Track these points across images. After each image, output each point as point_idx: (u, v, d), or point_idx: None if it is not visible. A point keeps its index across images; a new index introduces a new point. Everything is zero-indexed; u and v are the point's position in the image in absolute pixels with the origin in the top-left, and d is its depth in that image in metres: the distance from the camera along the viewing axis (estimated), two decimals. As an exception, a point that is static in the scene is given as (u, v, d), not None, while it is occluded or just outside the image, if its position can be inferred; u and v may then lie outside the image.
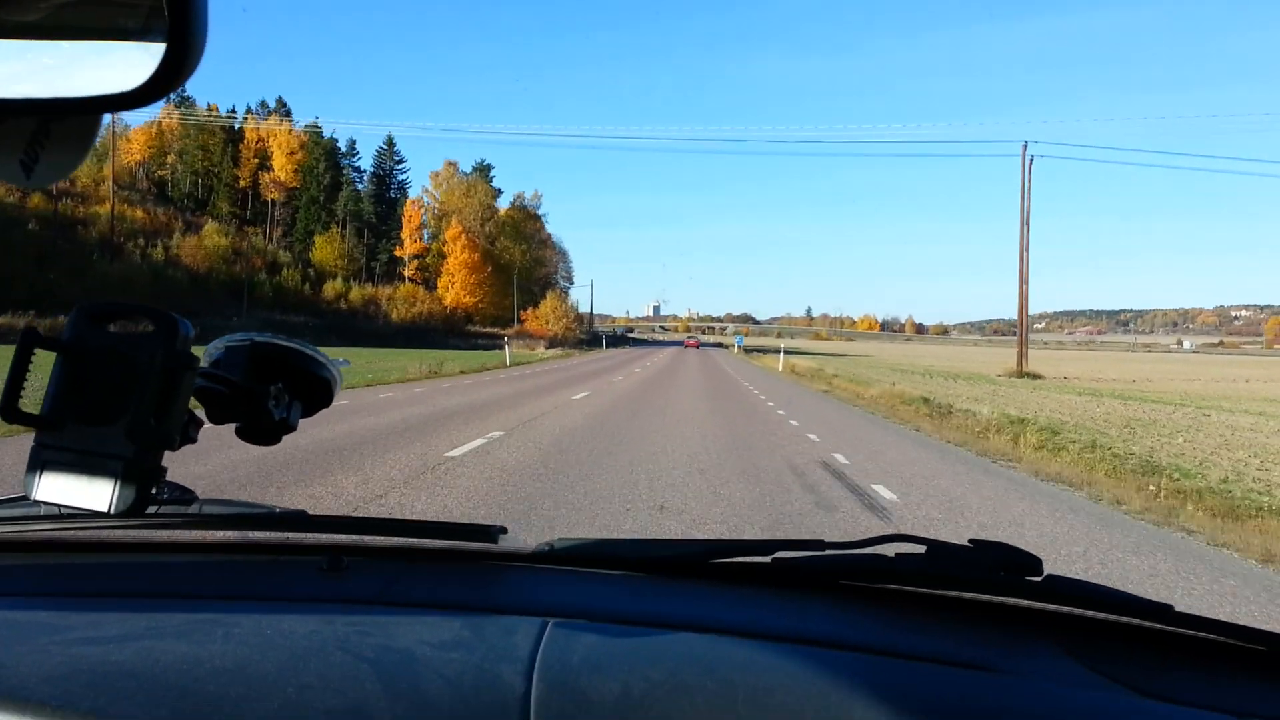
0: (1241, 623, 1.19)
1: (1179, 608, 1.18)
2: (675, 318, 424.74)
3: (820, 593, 1.34)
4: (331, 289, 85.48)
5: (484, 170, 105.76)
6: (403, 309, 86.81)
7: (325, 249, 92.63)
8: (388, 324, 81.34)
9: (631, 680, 0.98)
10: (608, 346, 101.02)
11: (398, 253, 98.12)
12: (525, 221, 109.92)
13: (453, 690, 0.94)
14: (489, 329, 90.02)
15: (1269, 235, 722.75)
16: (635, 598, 1.32)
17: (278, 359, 0.89)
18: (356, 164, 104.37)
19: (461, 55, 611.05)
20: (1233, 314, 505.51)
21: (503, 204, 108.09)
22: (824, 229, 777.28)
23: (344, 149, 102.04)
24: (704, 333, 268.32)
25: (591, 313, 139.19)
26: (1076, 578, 1.26)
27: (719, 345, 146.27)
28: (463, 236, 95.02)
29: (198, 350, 0.82)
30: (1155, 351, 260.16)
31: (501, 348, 71.71)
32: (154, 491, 0.75)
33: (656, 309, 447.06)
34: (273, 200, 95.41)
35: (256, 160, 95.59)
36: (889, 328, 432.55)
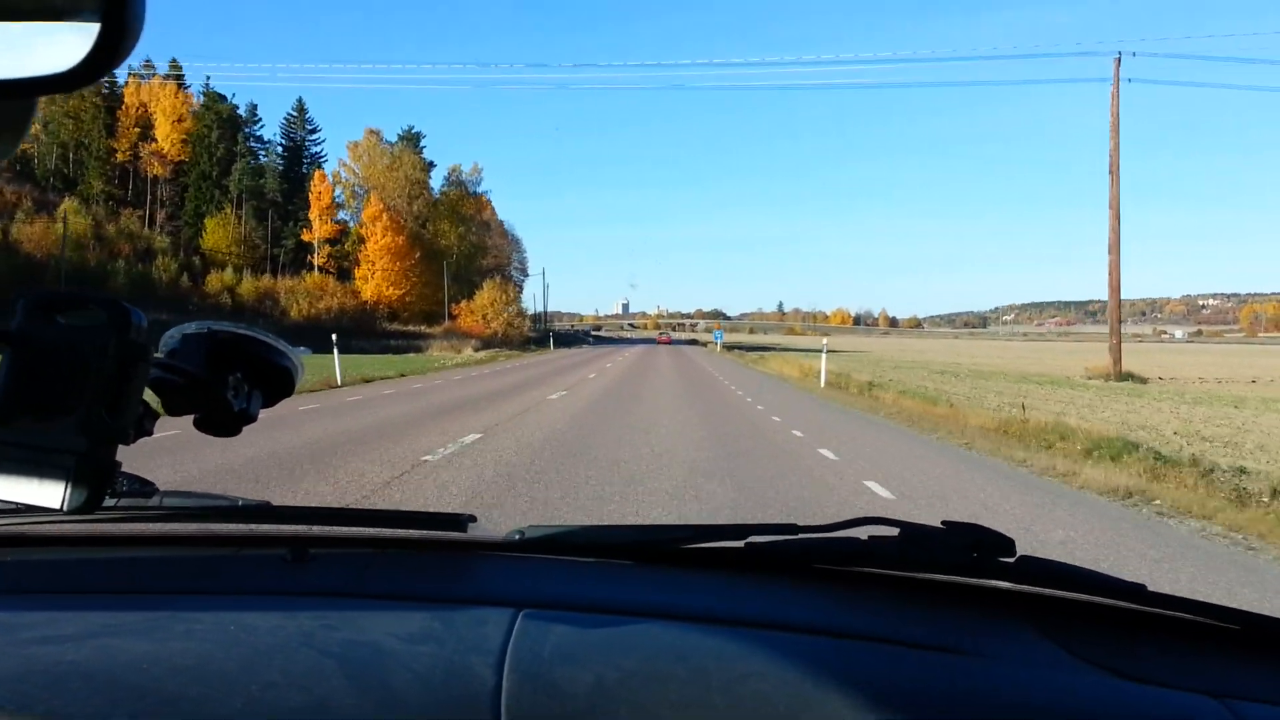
0: (1214, 601, 1.20)
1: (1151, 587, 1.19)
2: (644, 315, 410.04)
3: (793, 577, 1.33)
4: (217, 280, 67.63)
5: (412, 139, 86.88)
6: (304, 304, 68.97)
7: (217, 233, 74.64)
8: (284, 321, 63.83)
9: (604, 670, 0.97)
10: (557, 346, 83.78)
11: (305, 237, 79.67)
12: (463, 201, 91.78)
13: (422, 684, 0.91)
14: (415, 327, 72.81)
15: (1235, 223, 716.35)
16: (607, 586, 1.30)
17: (236, 348, 0.87)
18: (259, 133, 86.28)
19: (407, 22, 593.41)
20: (1200, 303, 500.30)
21: (439, 182, 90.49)
22: (793, 224, 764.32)
23: (245, 115, 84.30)
24: (675, 329, 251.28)
25: (545, 308, 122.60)
26: (1049, 558, 1.24)
27: (693, 342, 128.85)
28: (384, 216, 77.01)
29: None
30: (1150, 342, 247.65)
31: (422, 350, 55.67)
32: (109, 487, 0.72)
33: (625, 307, 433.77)
34: (156, 177, 77.66)
35: (138, 130, 77.58)
36: (862, 322, 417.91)
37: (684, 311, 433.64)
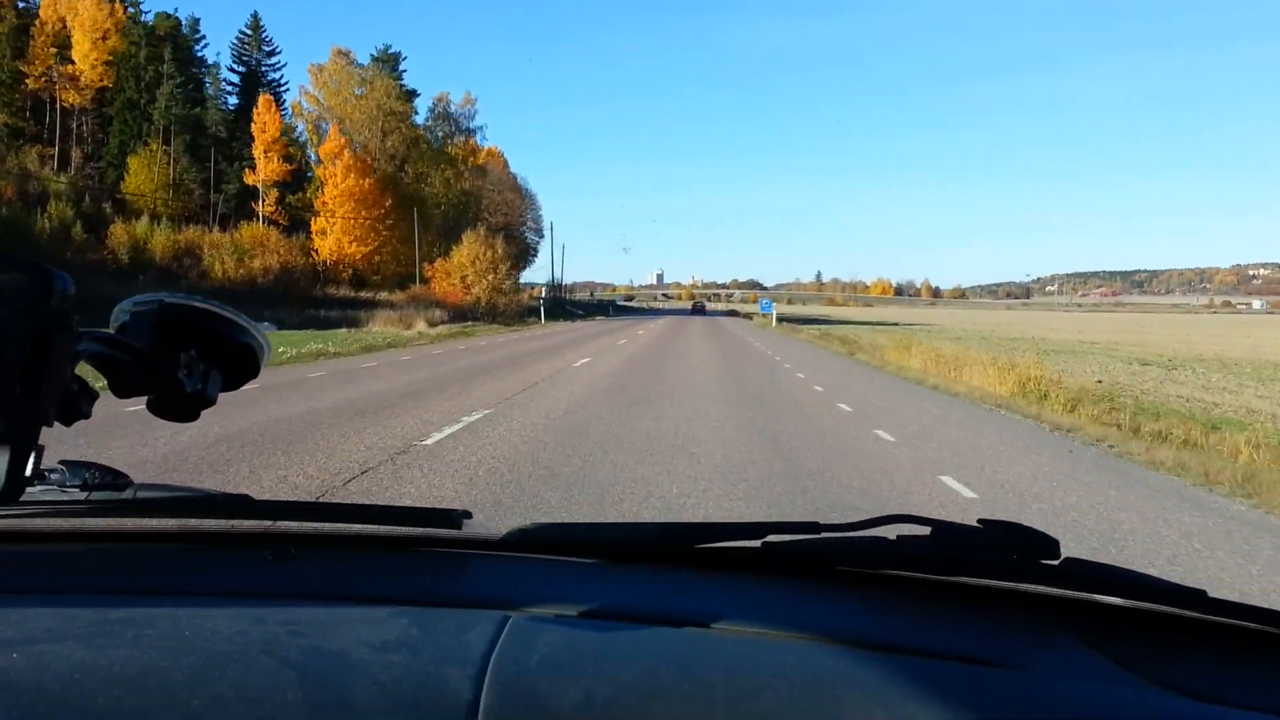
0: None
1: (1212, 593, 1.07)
2: (679, 285, 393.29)
3: (814, 580, 1.23)
4: (122, 232, 51.33)
5: (389, 60, 69.36)
6: (230, 263, 52.43)
7: (141, 175, 58.53)
8: (201, 285, 47.59)
9: (595, 683, 0.88)
10: (569, 317, 67.54)
11: (248, 179, 62.59)
12: (450, 138, 74.07)
13: (387, 697, 0.83)
14: (382, 294, 55.96)
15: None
16: (609, 588, 1.20)
17: (189, 322, 0.78)
18: (203, 53, 69.74)
19: None
20: (1250, 273, 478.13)
21: (425, 118, 73.49)
22: (831, 192, 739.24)
23: (186, 31, 67.71)
24: (710, 300, 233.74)
25: (554, 274, 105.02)
26: (1095, 560, 1.12)
27: (731, 314, 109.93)
28: (346, 154, 59.99)
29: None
30: (1226, 313, 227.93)
31: (360, 323, 39.78)
32: (28, 474, 0.65)
33: (660, 277, 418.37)
34: (74, 108, 61.69)
35: (55, 51, 61.46)
36: (904, 292, 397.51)
37: (719, 281, 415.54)
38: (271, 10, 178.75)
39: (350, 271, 59.94)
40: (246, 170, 62.91)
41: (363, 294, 55.41)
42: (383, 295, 54.40)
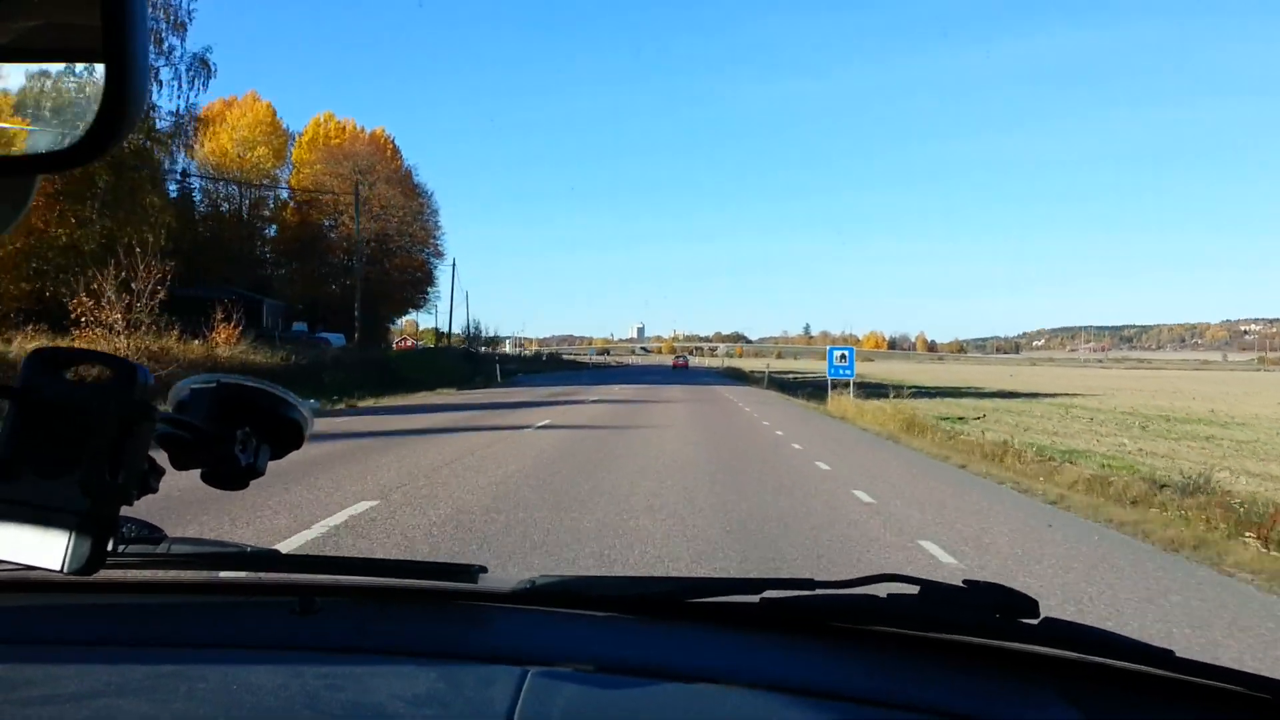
0: (1245, 669, 1.10)
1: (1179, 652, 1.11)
2: (659, 339, 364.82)
3: (810, 635, 1.26)
4: None
5: None
6: None
7: None
8: None
9: None
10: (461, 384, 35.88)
11: None
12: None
13: None
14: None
15: (1275, 246, 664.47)
16: (618, 642, 1.24)
17: (244, 401, 0.83)
18: None
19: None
20: (1241, 328, 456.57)
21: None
22: (818, 245, 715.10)
23: None
24: (692, 353, 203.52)
25: (466, 322, 73.82)
26: (1073, 620, 1.17)
27: (733, 376, 70.91)
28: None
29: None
30: (1223, 370, 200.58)
31: None
32: (109, 547, 0.68)
33: (641, 330, 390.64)
34: None
35: None
36: (897, 346, 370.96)
37: (702, 335, 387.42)
38: None
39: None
40: None
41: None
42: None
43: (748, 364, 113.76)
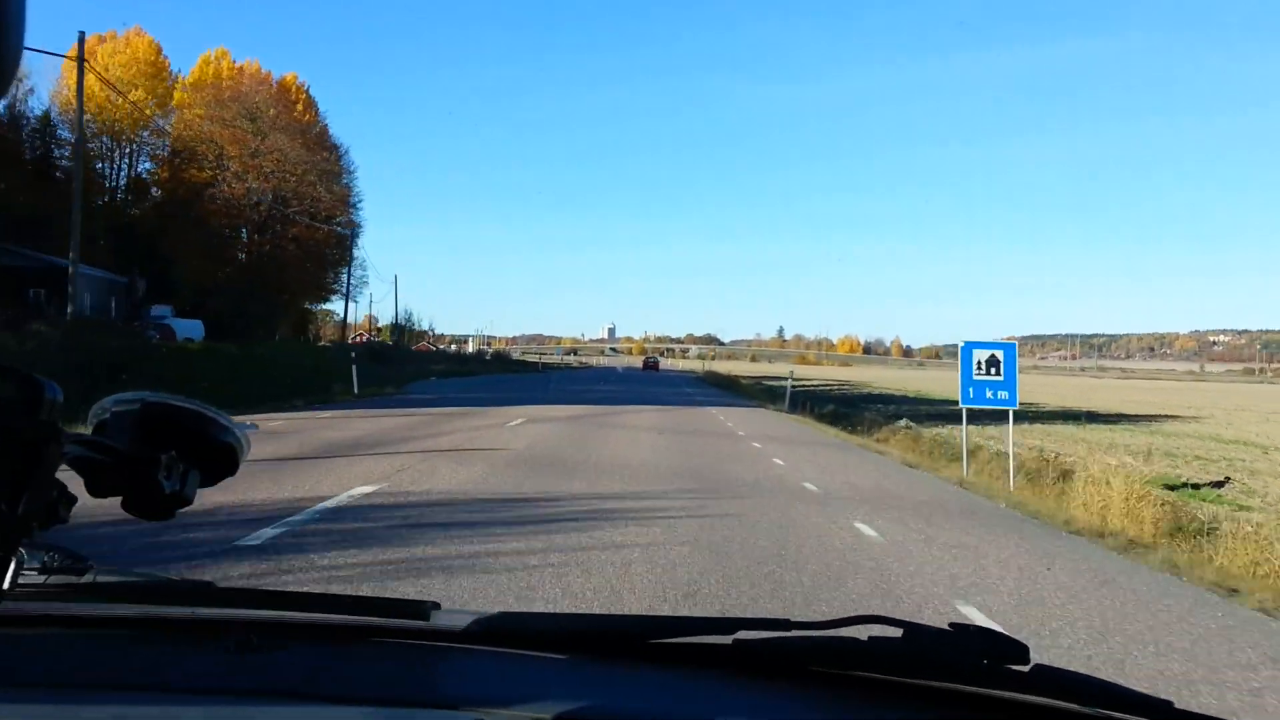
0: None
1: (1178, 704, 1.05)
2: (630, 339, 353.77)
3: (786, 679, 1.17)
4: None
5: None
6: None
7: None
8: None
9: None
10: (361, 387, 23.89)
11: None
12: None
13: None
14: None
15: (1246, 258, 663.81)
16: (578, 686, 1.16)
17: (171, 422, 0.75)
18: None
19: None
20: (1210, 339, 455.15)
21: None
22: (791, 249, 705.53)
23: None
24: (663, 355, 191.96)
25: (395, 313, 62.00)
26: (1065, 668, 1.13)
27: (721, 386, 55.99)
28: None
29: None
30: (1208, 380, 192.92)
31: None
32: (5, 586, 0.64)
33: (611, 331, 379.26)
34: None
35: None
36: (872, 350, 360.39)
37: (674, 336, 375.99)
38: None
39: None
40: None
41: None
42: None
43: (726, 367, 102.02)
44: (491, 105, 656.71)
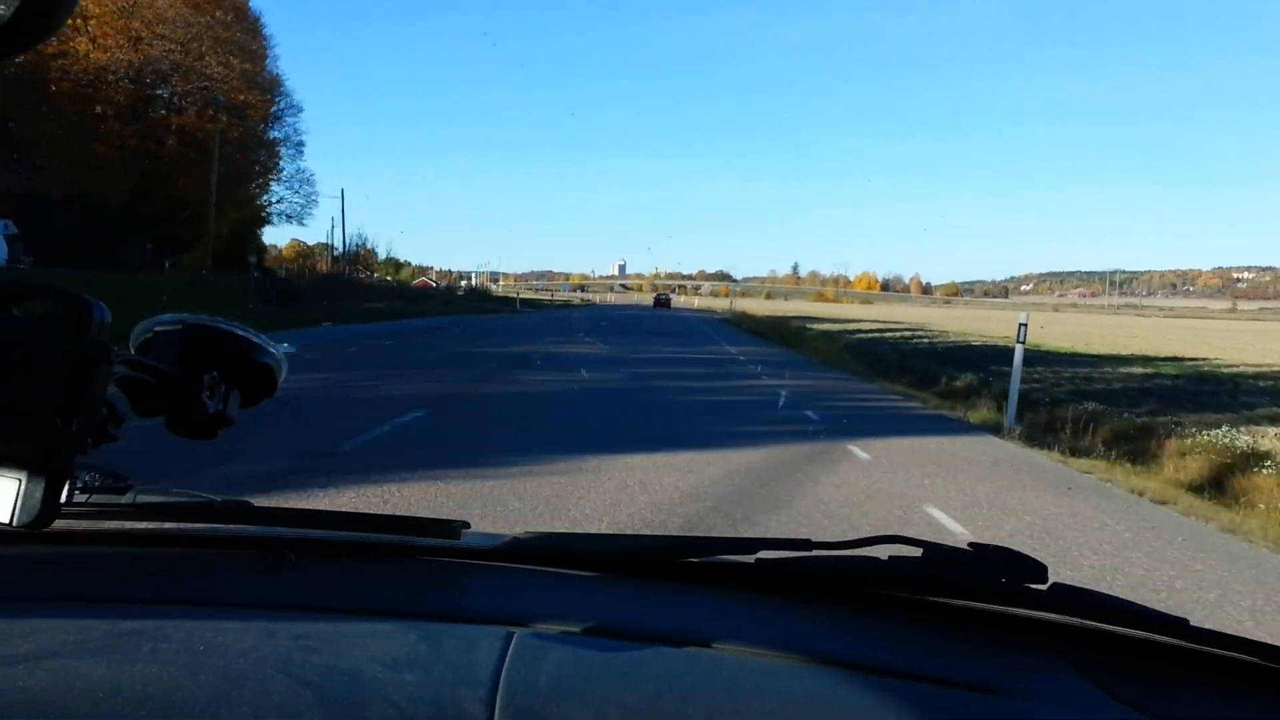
0: (1262, 639, 1.07)
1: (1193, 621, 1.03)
2: (640, 276, 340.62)
3: (806, 597, 1.21)
4: None
5: None
6: None
7: None
8: None
9: (603, 707, 0.87)
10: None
11: None
12: None
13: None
14: None
15: (1268, 194, 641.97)
16: (607, 603, 1.19)
17: (212, 344, 0.76)
18: None
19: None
20: (1235, 276, 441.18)
21: None
22: (806, 185, 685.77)
23: None
24: (674, 292, 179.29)
25: (343, 237, 49.34)
26: (1083, 586, 1.13)
27: (760, 335, 36.38)
28: None
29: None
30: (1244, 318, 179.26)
31: None
32: (62, 499, 0.63)
33: (622, 268, 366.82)
34: None
35: None
36: (890, 287, 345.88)
37: (685, 273, 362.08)
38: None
39: None
40: None
41: None
42: None
43: (754, 306, 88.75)
44: (509, 41, 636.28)
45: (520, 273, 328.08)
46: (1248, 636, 1.04)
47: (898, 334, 38.69)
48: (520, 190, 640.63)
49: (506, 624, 1.01)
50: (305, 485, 6.08)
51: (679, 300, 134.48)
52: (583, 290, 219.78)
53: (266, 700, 0.81)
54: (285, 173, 47.32)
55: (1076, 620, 1.10)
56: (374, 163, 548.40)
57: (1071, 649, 1.07)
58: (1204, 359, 30.85)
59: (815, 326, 37.67)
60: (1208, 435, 10.51)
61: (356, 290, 40.38)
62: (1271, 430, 11.83)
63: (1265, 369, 26.33)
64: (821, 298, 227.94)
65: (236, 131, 35.61)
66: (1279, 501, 7.60)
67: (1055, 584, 1.08)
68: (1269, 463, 8.90)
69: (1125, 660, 1.06)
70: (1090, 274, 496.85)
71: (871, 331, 40.03)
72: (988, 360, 22.16)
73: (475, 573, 1.25)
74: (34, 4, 0.46)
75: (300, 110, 48.59)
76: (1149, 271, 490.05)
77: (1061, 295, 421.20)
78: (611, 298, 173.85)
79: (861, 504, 6.56)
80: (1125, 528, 6.47)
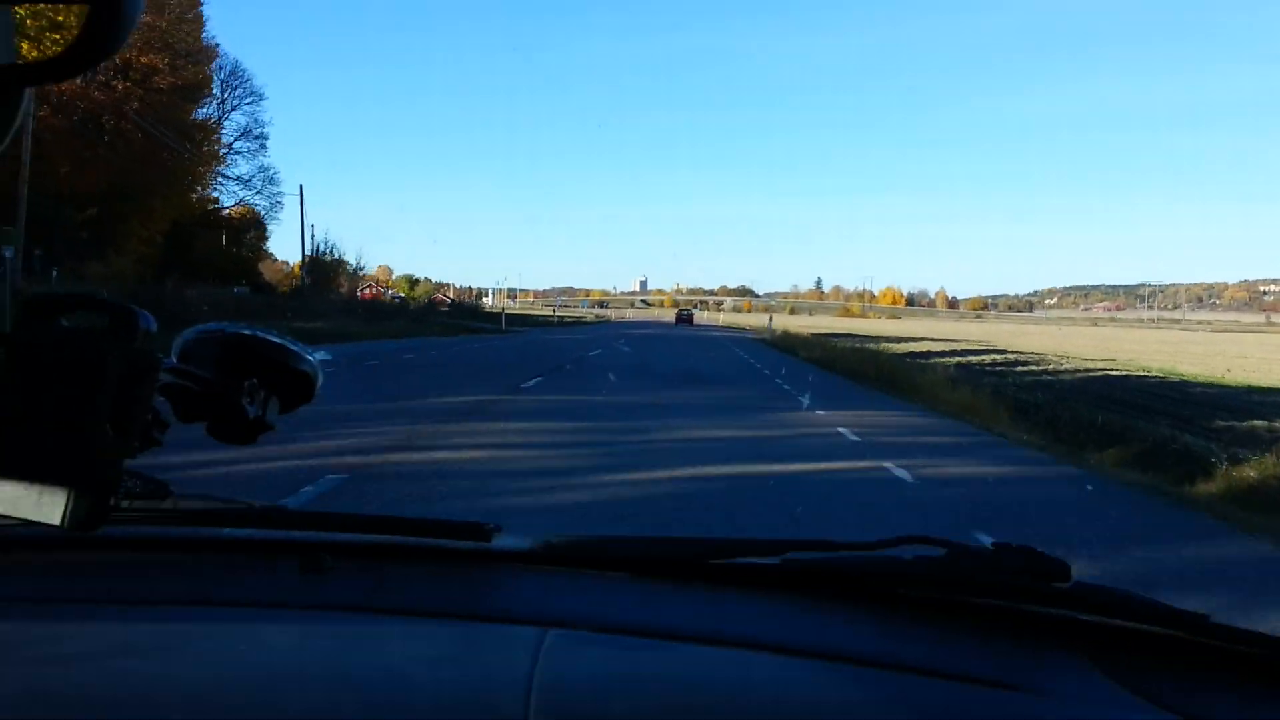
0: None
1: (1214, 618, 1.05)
2: (661, 292, 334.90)
3: (832, 598, 1.23)
4: None
5: None
6: None
7: None
8: None
9: (638, 704, 0.89)
10: None
11: None
12: None
13: (445, 714, 0.84)
14: None
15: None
16: (638, 604, 1.21)
17: (250, 351, 0.79)
18: None
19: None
20: (1261, 289, 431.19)
21: None
22: (829, 199, 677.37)
23: None
24: (696, 307, 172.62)
25: (310, 241, 42.89)
26: (1104, 584, 1.14)
27: (828, 367, 25.84)
28: None
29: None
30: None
31: None
32: (111, 503, 0.65)
33: (643, 284, 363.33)
34: None
35: None
36: (915, 302, 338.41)
37: (707, 288, 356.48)
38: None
39: None
40: None
41: None
42: None
43: (790, 323, 79.66)
44: (528, 53, 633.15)
45: (542, 289, 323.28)
46: (1268, 634, 1.04)
47: (982, 358, 30.69)
48: (542, 208, 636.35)
49: (540, 624, 1.02)
50: None
51: (701, 316, 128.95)
52: (602, 305, 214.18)
53: (310, 694, 0.84)
54: (244, 170, 40.42)
55: (1098, 618, 1.10)
56: (401, 181, 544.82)
57: (1093, 646, 1.07)
58: None
59: (886, 347, 29.64)
60: None
61: (304, 306, 32.99)
62: None
63: None
64: (847, 313, 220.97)
65: (134, 103, 28.39)
66: None
67: (1077, 582, 1.09)
68: None
69: (1147, 657, 1.06)
70: (1114, 287, 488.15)
71: (943, 354, 32.32)
72: (1178, 404, 14.59)
73: (508, 574, 1.27)
74: (99, 21, 0.46)
75: (261, 98, 41.62)
76: (1174, 284, 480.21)
77: (1085, 309, 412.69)
78: (630, 314, 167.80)
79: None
80: None
